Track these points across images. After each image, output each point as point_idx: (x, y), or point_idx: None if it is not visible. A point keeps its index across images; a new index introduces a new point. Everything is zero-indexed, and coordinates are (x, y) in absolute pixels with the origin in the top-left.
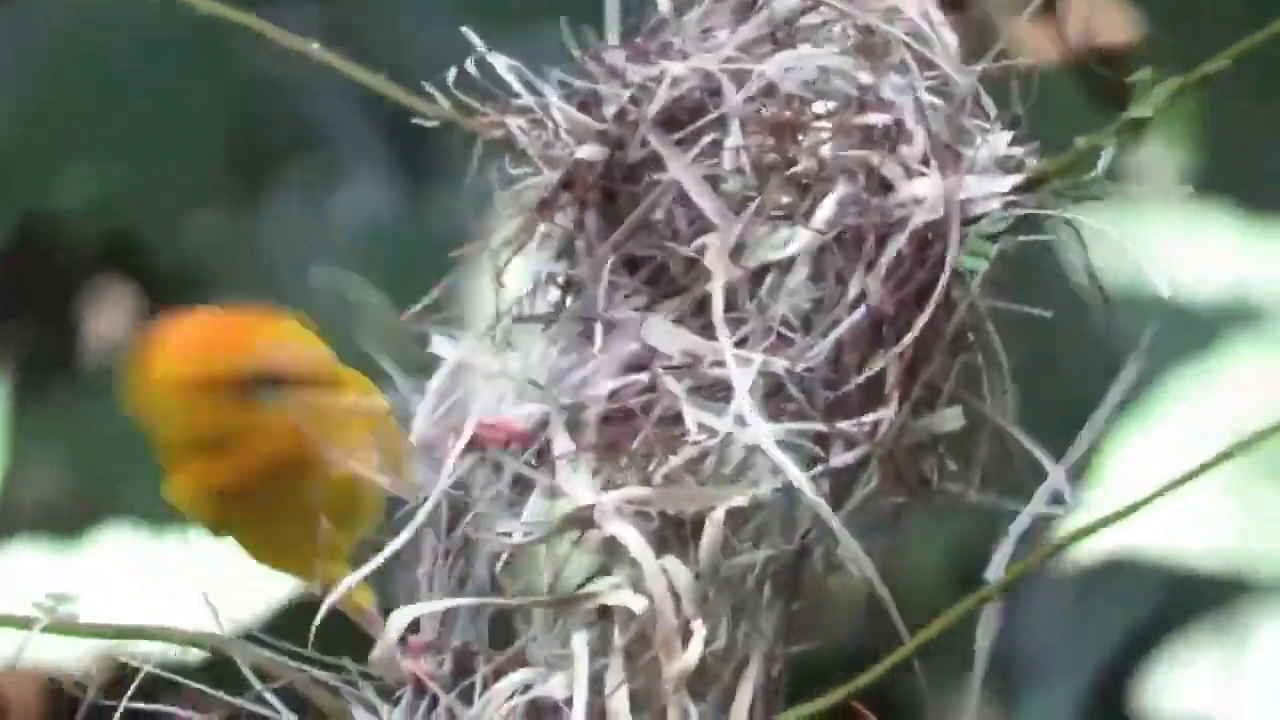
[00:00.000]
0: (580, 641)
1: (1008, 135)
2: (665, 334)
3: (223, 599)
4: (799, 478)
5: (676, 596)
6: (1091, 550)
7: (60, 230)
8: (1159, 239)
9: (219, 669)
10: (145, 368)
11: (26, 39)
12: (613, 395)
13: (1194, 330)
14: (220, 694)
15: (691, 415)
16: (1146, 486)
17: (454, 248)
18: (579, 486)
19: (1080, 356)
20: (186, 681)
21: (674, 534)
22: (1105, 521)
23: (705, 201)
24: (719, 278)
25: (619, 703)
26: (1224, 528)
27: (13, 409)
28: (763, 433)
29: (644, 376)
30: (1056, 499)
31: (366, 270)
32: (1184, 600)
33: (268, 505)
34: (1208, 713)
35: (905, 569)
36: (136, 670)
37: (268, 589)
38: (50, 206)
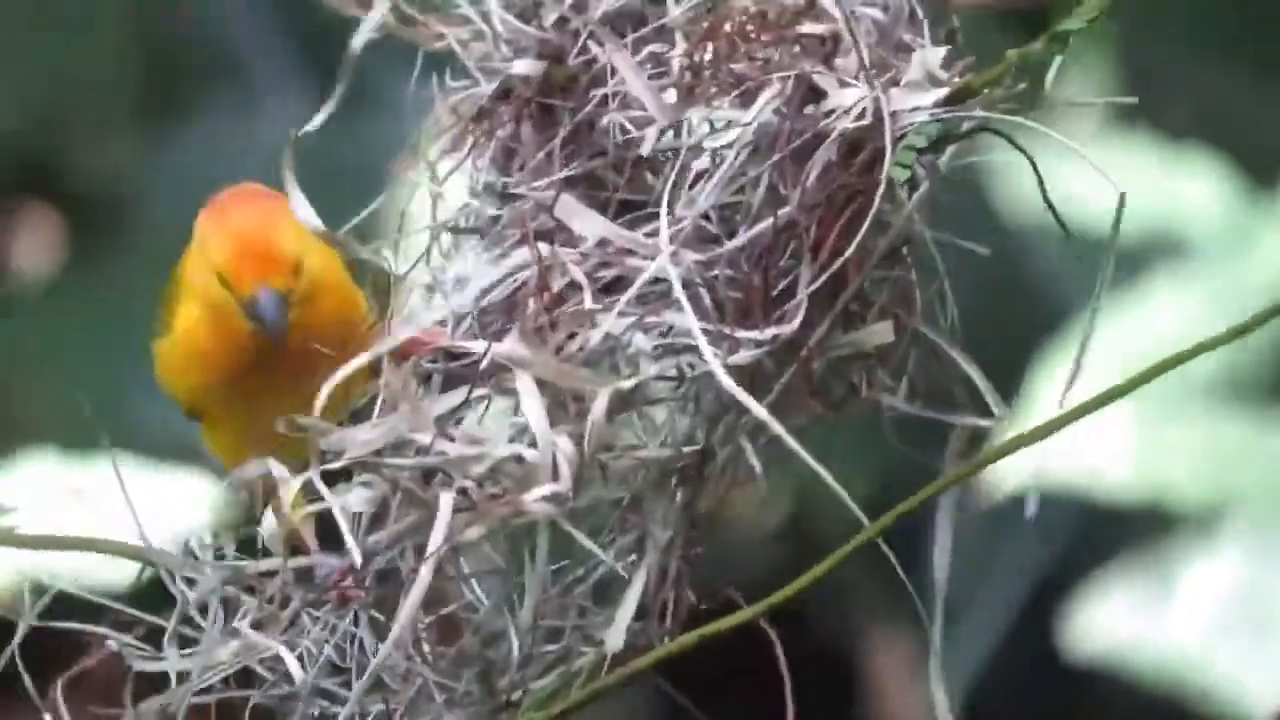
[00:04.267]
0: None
1: (941, 51)
2: (579, 214)
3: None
4: (718, 366)
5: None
6: (1007, 483)
7: None
8: (1076, 170)
9: (143, 597)
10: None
11: None
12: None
13: (1118, 263)
14: (148, 616)
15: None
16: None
17: (375, 170)
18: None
19: (1001, 287)
20: (113, 604)
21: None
22: (1029, 438)
23: (642, 90)
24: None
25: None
26: (1139, 460)
27: None
28: (690, 320)
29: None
30: (986, 411)
31: (284, 190)
32: (1103, 533)
33: (269, 389)
34: (1130, 645)
35: (820, 500)
36: (61, 595)
37: (179, 517)
38: None
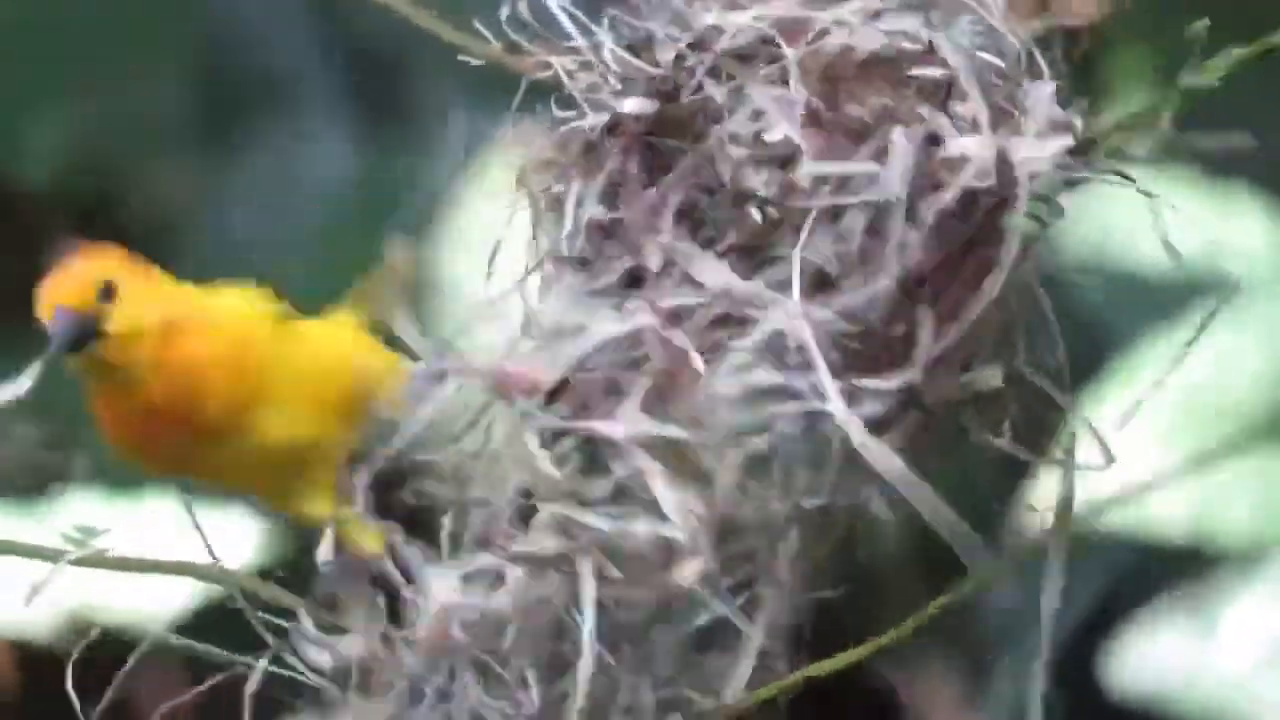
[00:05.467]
0: (587, 568)
1: (1052, 88)
2: (698, 260)
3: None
4: (846, 414)
5: (692, 529)
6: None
7: (26, 186)
8: (1127, 209)
9: (197, 633)
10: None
11: None
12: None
13: (1158, 298)
14: (220, 650)
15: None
16: (1120, 457)
17: (422, 200)
18: (602, 426)
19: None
20: (193, 644)
21: (692, 474)
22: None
23: (787, 122)
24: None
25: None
26: (1188, 497)
27: None
28: (823, 378)
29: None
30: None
31: (335, 224)
32: (1148, 570)
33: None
34: (1176, 684)
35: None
36: (114, 640)
37: (228, 553)
38: (14, 161)
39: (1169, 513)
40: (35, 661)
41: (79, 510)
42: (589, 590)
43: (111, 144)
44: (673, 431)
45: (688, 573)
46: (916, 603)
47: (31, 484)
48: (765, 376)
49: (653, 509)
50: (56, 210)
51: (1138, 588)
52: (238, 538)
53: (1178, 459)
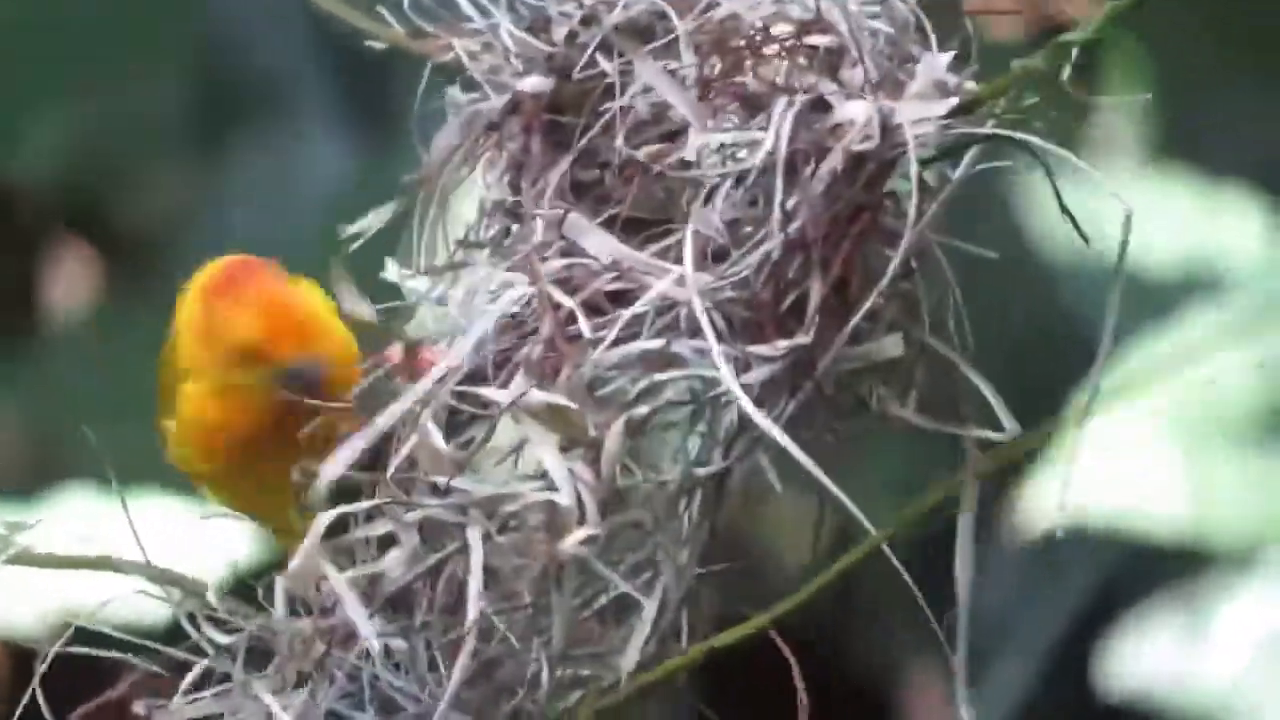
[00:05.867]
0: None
1: (946, 59)
2: (589, 233)
3: (175, 565)
4: (737, 387)
5: (577, 494)
6: (1041, 520)
7: (20, 191)
8: (1117, 206)
9: (172, 635)
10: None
11: None
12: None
13: (1153, 298)
14: (177, 650)
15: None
16: (1105, 453)
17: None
18: (489, 393)
19: (1039, 319)
20: (147, 643)
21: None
22: (1028, 441)
23: (677, 96)
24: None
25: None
26: (1183, 495)
27: None
28: (711, 344)
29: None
30: (995, 425)
31: (334, 224)
32: (1141, 569)
33: (282, 452)
34: (1168, 684)
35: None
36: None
37: (217, 556)
38: (10, 166)
39: (1164, 511)
40: (25, 662)
41: (69, 507)
42: (476, 557)
43: (111, 144)
44: (559, 399)
45: (574, 540)
46: (907, 597)
47: (25, 481)
48: (654, 344)
49: (542, 478)
50: (56, 210)
51: (1133, 586)
52: (229, 538)
53: (1173, 457)
